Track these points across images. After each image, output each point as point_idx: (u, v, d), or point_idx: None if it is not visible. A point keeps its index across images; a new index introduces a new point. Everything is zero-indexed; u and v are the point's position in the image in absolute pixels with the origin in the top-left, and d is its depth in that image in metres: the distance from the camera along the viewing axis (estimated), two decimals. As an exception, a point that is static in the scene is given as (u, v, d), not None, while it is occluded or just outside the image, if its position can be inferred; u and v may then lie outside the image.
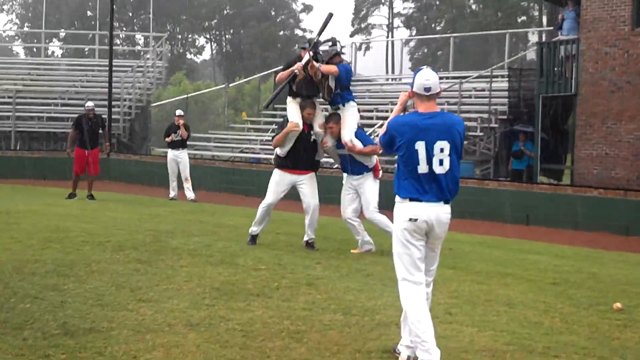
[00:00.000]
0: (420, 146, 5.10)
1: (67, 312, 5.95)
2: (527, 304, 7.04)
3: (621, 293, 7.79)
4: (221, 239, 10.00)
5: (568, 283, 8.22)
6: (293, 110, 9.46)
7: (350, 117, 9.34)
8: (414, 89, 5.21)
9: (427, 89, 5.16)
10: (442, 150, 5.10)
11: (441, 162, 5.11)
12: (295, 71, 9.29)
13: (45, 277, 7.14)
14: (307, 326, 5.90)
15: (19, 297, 6.33)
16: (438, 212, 5.14)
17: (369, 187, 9.49)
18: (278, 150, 9.60)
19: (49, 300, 6.27)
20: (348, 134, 9.25)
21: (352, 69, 9.53)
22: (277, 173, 9.66)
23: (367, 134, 10.53)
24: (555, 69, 18.25)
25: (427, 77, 5.17)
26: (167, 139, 16.90)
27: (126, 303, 6.32)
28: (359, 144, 9.26)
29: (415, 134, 5.12)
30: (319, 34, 9.56)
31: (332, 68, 9.16)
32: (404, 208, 5.16)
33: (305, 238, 9.73)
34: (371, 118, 22.83)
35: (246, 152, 24.01)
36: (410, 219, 5.10)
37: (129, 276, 7.38)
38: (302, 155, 9.51)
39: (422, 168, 5.11)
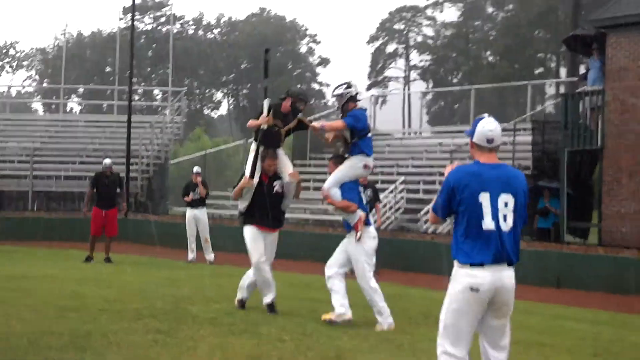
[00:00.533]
0: (485, 198, 4.70)
1: (83, 393, 5.60)
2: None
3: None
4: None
5: (610, 354, 7.80)
6: (251, 160, 9.10)
7: (345, 167, 8.71)
8: (474, 140, 4.87)
9: (490, 140, 4.84)
10: (506, 204, 4.71)
11: (505, 218, 4.70)
12: (263, 126, 9.04)
13: (61, 351, 6.79)
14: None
15: (33, 376, 5.99)
16: (503, 277, 4.67)
17: (352, 248, 8.70)
18: (239, 205, 9.29)
19: (64, 379, 5.93)
20: (329, 182, 8.74)
21: (367, 118, 8.79)
22: (248, 230, 9.14)
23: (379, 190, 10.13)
24: (580, 121, 17.87)
25: (491, 127, 4.86)
26: (187, 199, 16.60)
27: (146, 381, 5.97)
28: (333, 195, 8.66)
29: (479, 185, 4.73)
30: (265, 75, 9.62)
31: (337, 124, 8.70)
32: (464, 275, 4.69)
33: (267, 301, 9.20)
34: (391, 174, 22.49)
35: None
36: (472, 289, 4.63)
37: (148, 348, 7.03)
38: (265, 209, 9.02)
39: (487, 224, 4.67)
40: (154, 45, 75.64)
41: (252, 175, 9.00)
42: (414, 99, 62.81)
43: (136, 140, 25.63)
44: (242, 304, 9.39)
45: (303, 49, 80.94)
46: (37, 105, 75.46)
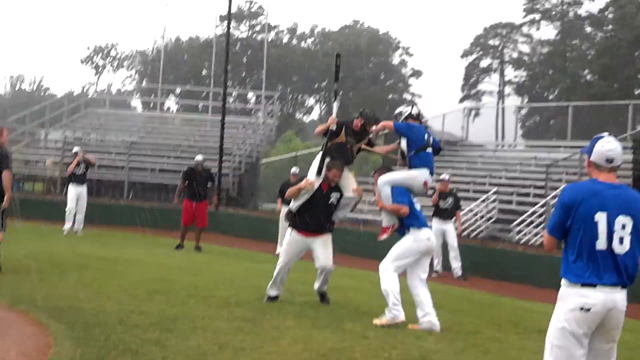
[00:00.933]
0: (601, 218, 4.49)
1: (168, 370, 5.63)
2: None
3: None
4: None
5: None
6: (316, 166, 9.14)
7: (405, 174, 8.49)
8: (592, 159, 4.68)
9: (610, 160, 4.64)
10: (623, 226, 4.49)
11: (621, 241, 4.48)
12: (332, 127, 9.17)
13: (148, 331, 6.87)
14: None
15: (119, 350, 6.06)
16: (615, 299, 4.46)
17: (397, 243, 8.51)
18: (292, 204, 9.28)
19: (149, 356, 5.97)
20: (383, 179, 8.49)
21: (424, 134, 8.53)
22: (290, 232, 9.28)
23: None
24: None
25: (611, 146, 4.65)
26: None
27: (229, 365, 5.96)
28: (383, 191, 8.40)
29: (596, 203, 4.53)
30: (335, 79, 9.41)
31: (387, 123, 8.71)
32: (573, 294, 4.50)
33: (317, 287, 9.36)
34: (484, 184, 22.16)
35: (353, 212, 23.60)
36: (582, 309, 4.44)
37: (232, 335, 7.04)
38: (316, 216, 9.05)
39: (601, 244, 4.48)
40: (248, 52, 76.83)
41: (315, 179, 9.06)
42: (507, 113, 61.66)
43: (229, 139, 26.03)
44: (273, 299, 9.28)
45: (396, 60, 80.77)
46: (136, 103, 77.63)
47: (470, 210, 19.67)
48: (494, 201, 20.50)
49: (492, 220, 20.20)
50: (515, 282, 14.59)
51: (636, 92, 57.14)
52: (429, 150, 8.47)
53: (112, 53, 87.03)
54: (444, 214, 15.31)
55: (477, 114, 51.12)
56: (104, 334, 6.55)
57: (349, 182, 9.17)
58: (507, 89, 72.64)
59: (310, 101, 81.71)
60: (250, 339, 6.95)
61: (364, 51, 75.13)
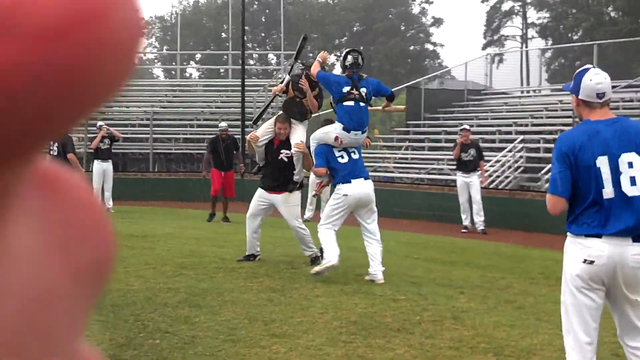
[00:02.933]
0: (603, 162, 3.98)
1: (197, 349, 5.62)
2: None
3: None
4: (356, 264, 9.53)
5: None
6: (266, 123, 9.67)
7: (321, 130, 8.92)
8: (580, 96, 4.09)
9: (601, 95, 4.07)
10: (630, 164, 3.95)
11: (633, 181, 3.94)
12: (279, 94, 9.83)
13: (177, 308, 6.88)
14: (454, 369, 5.33)
15: (148, 331, 6.07)
16: (623, 253, 3.94)
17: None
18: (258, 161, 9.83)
19: (179, 335, 5.97)
20: (312, 136, 8.89)
21: (343, 84, 8.83)
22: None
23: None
24: None
25: (600, 79, 4.06)
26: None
27: (259, 338, 5.95)
28: (312, 149, 8.82)
29: (595, 146, 4.01)
30: (296, 57, 9.94)
31: (313, 70, 9.14)
32: (577, 247, 4.09)
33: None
34: (510, 133, 21.83)
35: (379, 171, 23.50)
36: (585, 261, 4.02)
37: (262, 307, 7.04)
38: (271, 172, 9.50)
39: (608, 192, 3.96)
40: (266, 11, 76.22)
41: (256, 126, 10.14)
42: (532, 57, 60.66)
43: (251, 104, 25.86)
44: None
45: (416, 9, 79.74)
46: (158, 72, 77.66)
47: (497, 161, 19.41)
48: (520, 150, 20.19)
49: (520, 170, 19.93)
50: (545, 232, 14.43)
51: (663, 26, 55.91)
52: (351, 103, 8.58)
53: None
54: (467, 167, 14.98)
55: (500, 60, 50.36)
56: (133, 315, 6.57)
57: (296, 137, 9.31)
58: (531, 32, 71.51)
59: (331, 58, 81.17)
60: (279, 310, 6.94)
61: (383, 2, 74.21)
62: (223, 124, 16.05)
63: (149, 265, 9.11)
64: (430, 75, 34.27)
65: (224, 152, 15.52)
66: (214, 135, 16.22)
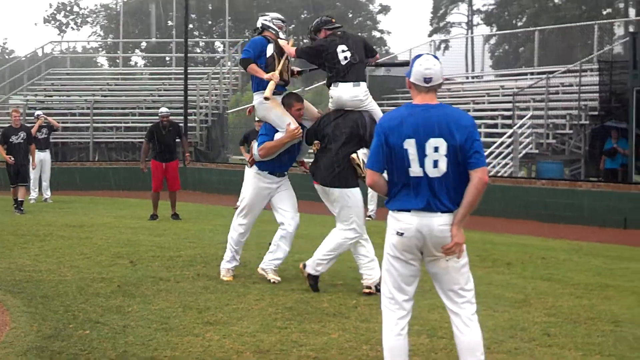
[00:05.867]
0: (411, 143, 4.28)
1: (129, 338, 5.52)
2: (635, 321, 6.28)
3: None
4: (296, 250, 9.46)
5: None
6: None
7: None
8: (411, 79, 4.38)
9: (428, 79, 4.34)
10: (436, 149, 4.26)
11: (435, 164, 4.27)
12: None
13: (109, 298, 6.76)
14: (388, 352, 5.31)
15: (78, 321, 5.94)
16: (431, 224, 4.29)
17: None
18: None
19: (110, 325, 5.86)
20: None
21: (259, 48, 7.64)
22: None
23: None
24: (650, 58, 17.10)
25: (428, 64, 4.34)
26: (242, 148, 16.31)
27: (192, 327, 5.87)
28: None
29: (406, 128, 4.31)
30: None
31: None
32: (392, 220, 4.42)
33: None
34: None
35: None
36: (397, 233, 4.36)
37: (197, 295, 6.96)
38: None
39: (415, 171, 4.31)
40: (213, -1, 75.45)
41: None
42: (477, 44, 61.26)
43: (194, 91, 25.62)
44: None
45: (363, -4, 79.71)
46: (102, 60, 76.35)
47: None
48: (462, 134, 20.32)
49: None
50: (484, 215, 14.56)
51: (604, 13, 56.80)
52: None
53: (75, 9, 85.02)
54: None
55: (446, 47, 50.74)
56: (63, 306, 6.43)
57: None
58: (476, 19, 72.10)
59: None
60: (215, 297, 6.88)
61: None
62: (163, 110, 14.33)
63: (84, 255, 8.95)
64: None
65: (166, 140, 13.90)
66: (154, 123, 14.66)
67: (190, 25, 56.18)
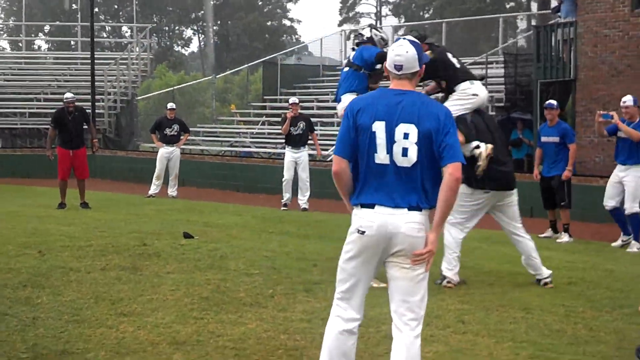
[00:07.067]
0: (380, 128, 3.91)
1: (39, 331, 5.36)
2: (545, 308, 6.47)
3: (644, 293, 7.22)
4: (211, 240, 9.42)
5: (585, 282, 7.66)
6: None
7: None
8: (387, 64, 4.07)
9: (399, 67, 4.00)
10: (406, 135, 3.88)
11: (405, 152, 3.89)
12: None
13: (17, 290, 6.53)
14: (306, 341, 5.34)
15: (-16, 316, 5.71)
16: (397, 222, 3.89)
17: None
18: None
19: (19, 317, 5.67)
20: None
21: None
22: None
23: None
24: (552, 53, 17.65)
25: (399, 51, 4.00)
26: (155, 140, 16.08)
27: (105, 318, 5.74)
28: None
29: (375, 110, 3.94)
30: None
31: None
32: (354, 217, 4.02)
33: None
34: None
35: (236, 146, 23.34)
36: (359, 231, 3.95)
37: (110, 286, 6.80)
38: None
39: (381, 157, 3.91)
40: (120, -18, 73.76)
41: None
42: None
43: (102, 77, 25.02)
44: None
45: (273, -16, 79.45)
46: (4, 44, 73.65)
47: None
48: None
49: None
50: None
51: (507, 6, 58.29)
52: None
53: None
54: (297, 141, 14.21)
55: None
56: (-33, 300, 6.17)
57: None
58: (385, 10, 72.91)
59: (188, 32, 79.62)
60: (128, 288, 6.74)
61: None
62: (69, 95, 13.73)
63: (-12, 246, 8.61)
64: (287, 51, 34.32)
65: (72, 127, 13.31)
66: (59, 109, 13.88)
67: (96, 9, 54.73)
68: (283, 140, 15.08)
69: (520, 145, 18.19)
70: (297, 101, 14.87)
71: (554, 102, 11.33)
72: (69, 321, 5.62)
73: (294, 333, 5.51)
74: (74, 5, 69.25)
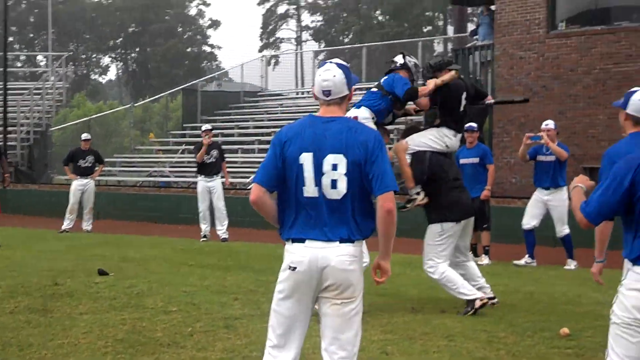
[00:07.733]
0: (307, 159, 3.78)
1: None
2: (467, 334, 6.42)
3: (564, 315, 7.27)
4: (127, 276, 9.08)
5: (506, 306, 7.67)
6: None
7: None
8: (314, 90, 3.95)
9: (326, 92, 3.86)
10: (335, 167, 3.75)
11: (334, 184, 3.76)
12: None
13: None
14: (225, 382, 5.13)
15: None
16: (328, 256, 3.75)
17: None
18: None
19: None
20: None
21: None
22: None
23: None
24: (470, 76, 17.94)
25: (326, 76, 3.86)
26: (68, 172, 15.55)
27: (12, 367, 5.41)
28: None
29: (303, 142, 3.80)
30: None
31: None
32: (286, 253, 3.87)
33: None
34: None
35: (155, 176, 22.89)
36: (289, 267, 3.81)
37: (18, 330, 6.46)
38: None
39: (310, 191, 3.78)
40: (35, 11, 72.19)
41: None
42: (306, 59, 62.31)
43: (14, 108, 24.31)
44: None
45: (193, 11, 79.09)
46: None
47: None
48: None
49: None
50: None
51: (425, 30, 59.43)
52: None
53: None
54: (210, 169, 13.88)
55: (276, 63, 51.16)
56: None
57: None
58: (305, 35, 73.38)
59: (106, 60, 78.44)
60: (38, 332, 6.41)
61: (159, 3, 72.80)
62: None
63: None
64: (207, 77, 34.07)
65: None
66: None
67: (11, 38, 53.47)
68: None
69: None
70: (210, 128, 14.60)
71: (474, 124, 11.44)
72: (-28, 372, 5.29)
73: (213, 374, 5.31)
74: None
